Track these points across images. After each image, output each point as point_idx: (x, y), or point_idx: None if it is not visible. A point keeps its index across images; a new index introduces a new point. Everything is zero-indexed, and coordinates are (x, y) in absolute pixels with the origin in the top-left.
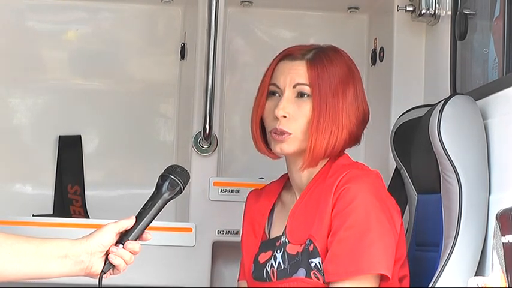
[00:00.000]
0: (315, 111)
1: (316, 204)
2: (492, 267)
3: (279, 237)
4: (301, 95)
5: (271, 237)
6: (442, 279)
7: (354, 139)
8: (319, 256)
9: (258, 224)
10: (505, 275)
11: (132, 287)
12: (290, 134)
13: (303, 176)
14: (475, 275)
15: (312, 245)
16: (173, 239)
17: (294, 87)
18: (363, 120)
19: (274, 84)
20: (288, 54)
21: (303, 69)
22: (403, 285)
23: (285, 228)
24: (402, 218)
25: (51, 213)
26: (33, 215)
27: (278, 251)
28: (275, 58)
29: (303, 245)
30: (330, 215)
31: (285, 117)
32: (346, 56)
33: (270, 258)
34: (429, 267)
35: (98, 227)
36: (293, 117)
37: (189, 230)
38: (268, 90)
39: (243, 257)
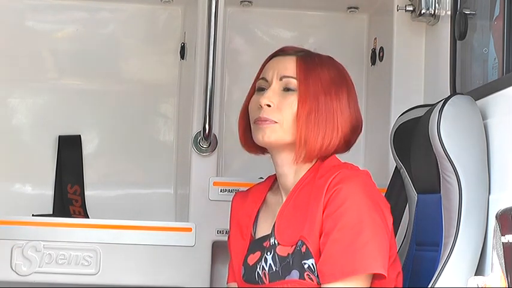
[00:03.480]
0: (303, 104)
1: (305, 205)
2: (492, 267)
3: (267, 238)
4: (287, 89)
5: (257, 237)
6: (441, 279)
7: (346, 144)
8: (312, 257)
9: (245, 226)
10: (505, 274)
11: (132, 287)
12: (274, 122)
13: (290, 175)
14: (475, 275)
15: (304, 246)
16: (173, 239)
17: (281, 79)
18: (357, 128)
19: (263, 78)
20: (281, 51)
21: (292, 63)
22: (397, 281)
23: (274, 230)
24: (402, 218)
25: (51, 213)
26: (33, 215)
27: (268, 253)
28: (269, 56)
29: (294, 246)
30: (322, 216)
31: (269, 106)
32: (340, 64)
33: (260, 260)
34: (429, 266)
35: (98, 226)
36: (278, 107)
37: (189, 230)
38: (258, 86)
39: (231, 259)
